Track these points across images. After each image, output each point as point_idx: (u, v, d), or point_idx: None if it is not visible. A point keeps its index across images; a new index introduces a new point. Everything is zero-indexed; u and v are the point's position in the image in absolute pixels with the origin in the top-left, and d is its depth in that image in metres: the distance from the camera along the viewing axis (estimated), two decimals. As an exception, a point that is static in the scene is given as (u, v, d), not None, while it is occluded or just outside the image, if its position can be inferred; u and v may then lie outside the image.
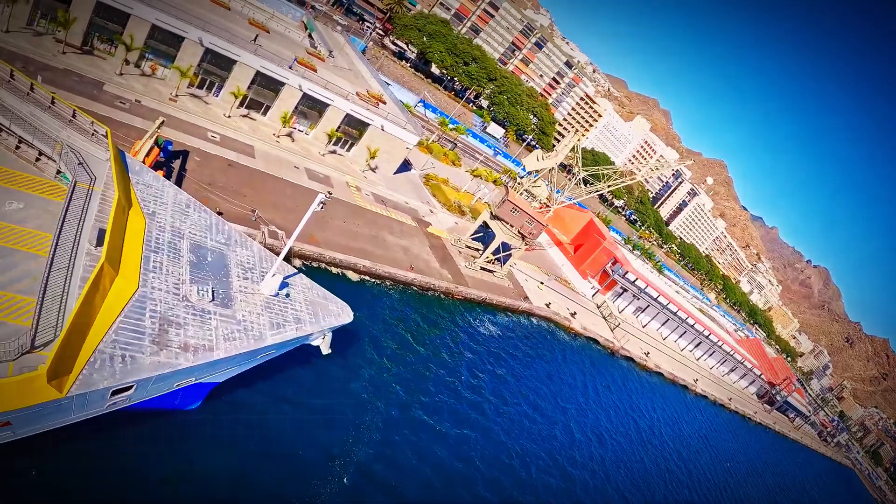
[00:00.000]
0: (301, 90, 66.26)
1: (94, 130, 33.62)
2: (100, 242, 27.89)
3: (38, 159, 32.69)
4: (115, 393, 25.11)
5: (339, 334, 39.97)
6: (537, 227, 77.47)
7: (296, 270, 39.62)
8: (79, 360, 23.67)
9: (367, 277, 56.89)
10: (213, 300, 31.14)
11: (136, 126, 49.61)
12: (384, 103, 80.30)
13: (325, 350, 37.83)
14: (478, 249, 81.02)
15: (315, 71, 71.39)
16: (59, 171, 32.93)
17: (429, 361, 54.59)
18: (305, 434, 38.01)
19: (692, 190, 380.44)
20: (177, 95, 59.88)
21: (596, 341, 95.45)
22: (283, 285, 36.46)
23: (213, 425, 33.53)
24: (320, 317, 36.69)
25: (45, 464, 26.72)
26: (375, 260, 58.02)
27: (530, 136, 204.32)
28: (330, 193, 34.49)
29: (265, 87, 66.81)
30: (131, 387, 25.54)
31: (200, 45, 58.92)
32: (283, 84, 65.90)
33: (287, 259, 48.76)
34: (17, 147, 32.53)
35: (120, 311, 26.57)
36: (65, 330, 23.13)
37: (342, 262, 54.23)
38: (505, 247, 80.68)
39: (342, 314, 39.04)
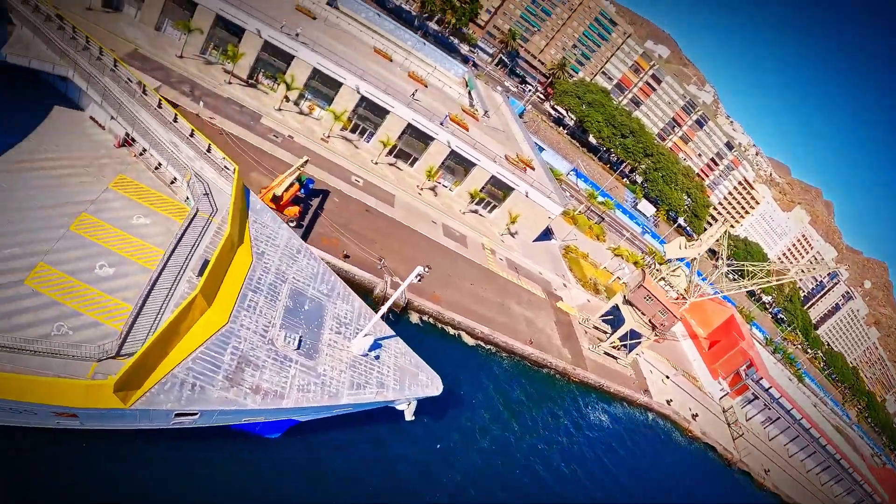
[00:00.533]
0: (449, 146, 67.94)
1: (225, 166, 36.59)
2: (201, 273, 29.31)
3: (172, 182, 36.20)
4: (179, 415, 25.70)
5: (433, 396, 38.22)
6: (670, 319, 70.00)
7: (393, 333, 38.65)
8: (151, 378, 24.66)
9: (483, 343, 54.59)
10: (298, 349, 30.95)
11: (284, 160, 53.40)
12: (532, 169, 79.78)
13: (409, 417, 35.77)
14: (605, 332, 74.92)
15: (466, 129, 73.23)
16: (187, 198, 36.00)
17: (521, 441, 49.62)
18: (364, 483, 35.89)
19: (847, 293, 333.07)
20: (329, 136, 63.90)
21: (713, 449, 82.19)
22: (376, 346, 35.53)
23: (282, 451, 33.10)
24: (406, 385, 34.96)
25: (116, 463, 27.69)
26: (495, 328, 55.66)
27: (681, 218, 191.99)
28: (429, 268, 33.29)
29: (415, 139, 69.19)
30: (196, 413, 26.02)
31: (357, 92, 63.04)
32: (432, 139, 68.09)
33: (404, 312, 49.19)
34: (157, 167, 36.59)
35: (203, 342, 27.21)
36: (143, 348, 24.27)
37: (460, 324, 52.82)
38: (634, 334, 73.62)
39: (430, 386, 36.95)
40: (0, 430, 24.45)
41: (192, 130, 36.84)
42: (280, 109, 61.83)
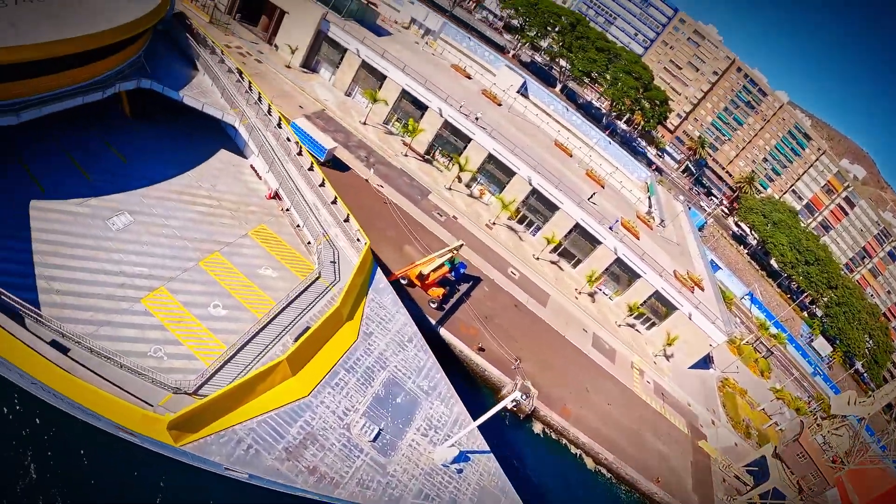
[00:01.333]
0: (616, 253, 63.78)
1: (358, 238, 36.82)
2: (296, 339, 28.62)
3: (308, 243, 37.11)
4: (228, 468, 24.39)
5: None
6: (821, 485, 55.03)
7: (488, 449, 33.99)
8: (210, 427, 24.08)
9: (605, 472, 47.53)
10: (373, 441, 27.96)
11: (441, 239, 53.55)
12: (701, 289, 71.68)
13: None
14: (746, 484, 60.94)
15: (637, 237, 68.64)
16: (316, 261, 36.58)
17: None
18: None
19: None
20: (494, 223, 63.34)
21: None
22: (462, 458, 31.10)
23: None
24: (481, 508, 30.01)
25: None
26: (623, 457, 47.83)
27: (859, 363, 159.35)
28: (526, 395, 28.71)
29: (582, 240, 66.38)
30: (244, 474, 24.46)
31: (529, 184, 62.52)
32: (599, 242, 64.82)
33: (528, 419, 45.26)
34: (298, 226, 37.94)
35: (275, 408, 25.73)
36: (211, 396, 23.84)
37: (584, 445, 46.76)
38: (777, 494, 58.95)
39: (509, 516, 31.40)
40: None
41: (336, 198, 38.06)
42: (450, 189, 63.22)
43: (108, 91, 35.25)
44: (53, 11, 33.25)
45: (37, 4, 32.63)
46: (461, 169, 61.71)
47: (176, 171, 37.85)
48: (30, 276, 28.86)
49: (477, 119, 63.37)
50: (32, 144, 35.99)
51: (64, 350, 24.61)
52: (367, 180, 53.34)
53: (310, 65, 64.71)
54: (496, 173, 64.44)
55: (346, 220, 37.10)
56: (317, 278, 34.21)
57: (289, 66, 62.70)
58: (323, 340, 29.61)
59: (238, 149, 42.35)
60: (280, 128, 40.69)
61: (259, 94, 41.78)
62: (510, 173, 62.93)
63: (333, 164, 52.34)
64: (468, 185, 65.85)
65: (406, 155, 62.34)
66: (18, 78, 31.56)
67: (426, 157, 64.86)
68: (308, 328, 29.31)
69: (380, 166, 56.96)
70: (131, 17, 36.34)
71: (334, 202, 37.95)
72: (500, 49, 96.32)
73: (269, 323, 30.59)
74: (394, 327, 34.15)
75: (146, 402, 23.76)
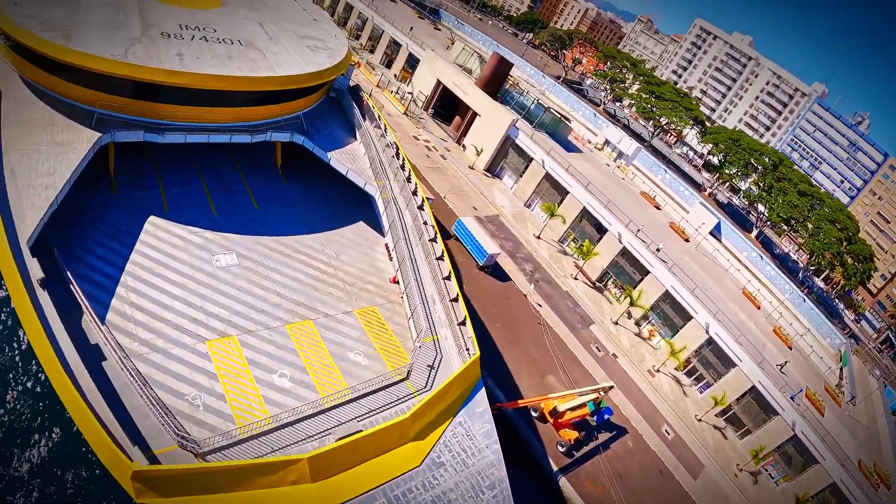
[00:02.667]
0: (792, 429, 47.29)
1: (468, 348, 29.27)
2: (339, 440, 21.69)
3: (416, 338, 30.70)
4: None
5: None
6: None
7: None
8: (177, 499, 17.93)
9: None
10: None
11: (593, 376, 44.46)
12: (887, 488, 50.03)
13: None
14: None
15: (822, 413, 51.11)
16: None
17: None
18: None
19: None
20: (657, 370, 52.24)
21: None
22: None
23: None
24: None
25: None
26: None
27: None
28: None
29: (756, 406, 50.86)
30: None
31: (706, 332, 50.86)
32: (775, 413, 48.95)
33: None
34: (409, 317, 31.89)
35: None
36: (203, 466, 19.20)
37: None
38: None
39: None
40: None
41: (458, 295, 32.02)
42: (616, 323, 54.12)
43: (256, 136, 34.62)
44: (224, 51, 34.09)
45: (212, 43, 33.97)
46: (632, 303, 52.44)
47: (304, 230, 34.92)
48: (114, 280, 27.19)
49: (658, 250, 54.95)
50: (178, 167, 35.95)
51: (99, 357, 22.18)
52: (525, 295, 47.24)
53: (493, 169, 63.30)
54: (670, 314, 53.69)
55: (462, 324, 30.46)
56: (402, 379, 27.22)
57: (472, 168, 61.81)
58: (370, 453, 21.40)
59: (379, 226, 38.80)
60: (421, 210, 36.66)
61: (410, 171, 38.91)
62: (686, 317, 51.89)
63: (493, 270, 47.59)
64: (637, 323, 55.63)
65: (576, 278, 55.32)
66: (189, 103, 32.03)
67: (597, 284, 57.09)
68: (359, 431, 22.10)
69: (544, 284, 50.67)
70: (314, 67, 36.89)
71: (455, 300, 31.83)
72: (696, 185, 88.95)
73: (324, 411, 24.02)
74: (476, 465, 24.77)
75: (133, 443, 18.79)
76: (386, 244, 36.86)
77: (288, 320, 29.05)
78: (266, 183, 37.81)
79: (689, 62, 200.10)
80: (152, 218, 31.10)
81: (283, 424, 23.28)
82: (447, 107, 69.19)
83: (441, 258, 33.55)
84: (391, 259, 35.99)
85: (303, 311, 29.88)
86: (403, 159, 38.94)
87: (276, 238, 33.36)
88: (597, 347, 47.95)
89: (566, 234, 58.71)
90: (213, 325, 26.96)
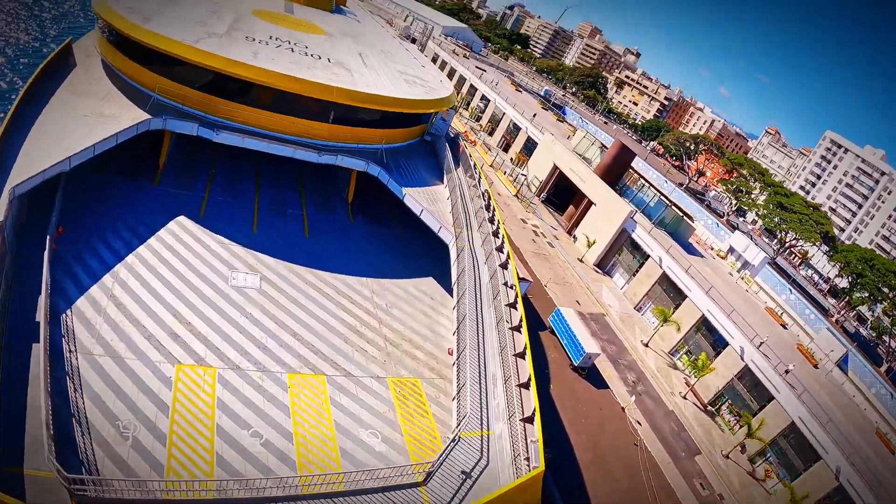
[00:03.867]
0: None
1: (528, 457, 18.23)
2: None
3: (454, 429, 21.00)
4: None
5: None
6: None
7: None
8: None
9: None
10: None
11: None
12: None
13: None
14: None
15: None
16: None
17: None
18: None
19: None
20: None
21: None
22: None
23: None
24: None
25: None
26: None
27: None
28: None
29: None
30: None
31: (835, 478, 34.82)
32: None
33: None
34: (454, 397, 22.19)
35: None
36: None
37: None
38: None
39: None
40: None
41: (529, 380, 22.57)
42: (727, 457, 39.97)
43: (325, 157, 29.41)
44: (307, 62, 31.29)
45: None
46: (749, 434, 38.42)
47: (355, 270, 27.95)
48: (106, 268, 22.30)
49: (787, 372, 40.98)
50: (234, 177, 31.81)
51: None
52: (623, 409, 36.16)
53: (604, 265, 54.00)
54: (791, 454, 38.06)
55: (528, 420, 20.83)
56: (417, 484, 17.48)
57: (581, 260, 53.16)
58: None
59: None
60: (504, 268, 28.19)
61: (499, 224, 30.87)
62: (812, 457, 36.33)
63: (589, 374, 37.51)
64: (752, 460, 40.47)
65: (685, 397, 42.54)
66: (251, 104, 28.20)
67: (708, 407, 43.57)
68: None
69: (647, 398, 39.03)
70: (403, 94, 32.52)
71: (525, 386, 22.44)
72: (823, 310, 73.37)
73: (293, 499, 15.51)
74: None
75: None
76: (454, 307, 28.85)
77: (293, 368, 21.28)
78: (329, 214, 32.18)
79: (818, 177, 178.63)
80: (182, 218, 26.14)
81: (225, 499, 15.28)
82: (560, 195, 62.56)
83: (518, 329, 24.74)
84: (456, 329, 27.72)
85: (318, 361, 21.97)
86: (493, 210, 31.50)
87: (317, 271, 26.61)
88: (701, 484, 34.25)
89: (679, 345, 46.78)
90: (193, 348, 20.23)
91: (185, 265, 23.63)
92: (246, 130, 27.90)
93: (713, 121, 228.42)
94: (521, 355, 22.97)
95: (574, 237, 57.57)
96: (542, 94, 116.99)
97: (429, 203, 30.28)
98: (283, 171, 34.30)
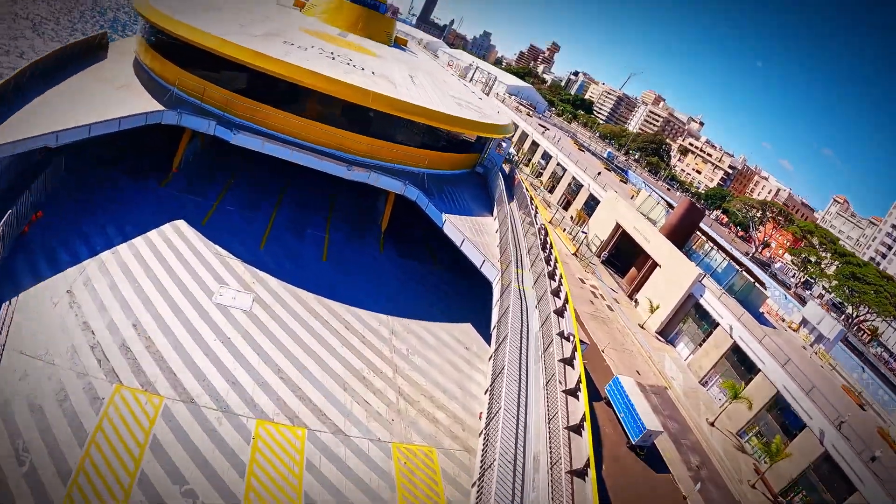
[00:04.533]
0: None
1: None
2: None
3: (474, 484, 14.59)
4: None
5: None
6: None
7: None
8: None
9: None
10: None
11: None
12: None
13: None
14: None
15: None
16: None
17: None
18: None
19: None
20: None
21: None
22: None
23: None
24: None
25: None
26: None
27: None
28: None
29: None
30: None
31: None
32: None
33: None
34: (476, 482, 15.44)
35: None
36: None
37: None
38: None
39: None
40: None
41: (588, 464, 16.07)
42: None
43: (356, 174, 24.86)
44: (345, 69, 28.89)
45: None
46: None
47: (374, 304, 22.57)
48: (74, 260, 18.48)
49: (874, 459, 31.11)
50: (255, 189, 28.11)
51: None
52: (685, 497, 28.21)
53: (667, 333, 46.29)
54: None
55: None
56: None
57: (642, 326, 45.79)
58: None
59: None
60: (561, 316, 21.90)
61: (556, 264, 25.05)
62: None
63: (647, 454, 29.89)
64: None
65: (754, 486, 33.09)
66: (274, 104, 24.72)
67: (780, 499, 34.00)
68: None
69: (710, 486, 30.40)
70: (449, 111, 28.11)
71: (579, 474, 15.93)
72: None
73: None
74: None
75: None
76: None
77: (265, 414, 15.83)
78: (356, 240, 27.36)
79: (889, 248, 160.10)
80: (180, 223, 22.23)
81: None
82: (622, 256, 55.93)
83: (574, 394, 18.44)
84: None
85: (301, 409, 16.47)
86: (551, 246, 25.88)
87: (325, 300, 21.55)
88: None
89: (749, 425, 37.64)
90: (144, 368, 15.53)
91: (167, 272, 19.34)
92: (268, 135, 24.28)
93: (778, 190, 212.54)
94: (577, 429, 16.63)
95: (635, 301, 50.34)
96: (605, 156, 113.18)
97: (473, 234, 24.96)
98: (313, 191, 30.56)
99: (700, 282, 44.42)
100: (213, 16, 27.84)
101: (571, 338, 19.36)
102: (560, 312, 21.47)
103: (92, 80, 23.56)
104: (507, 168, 35.31)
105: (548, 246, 25.54)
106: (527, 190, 31.74)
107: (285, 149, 23.91)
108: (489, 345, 23.40)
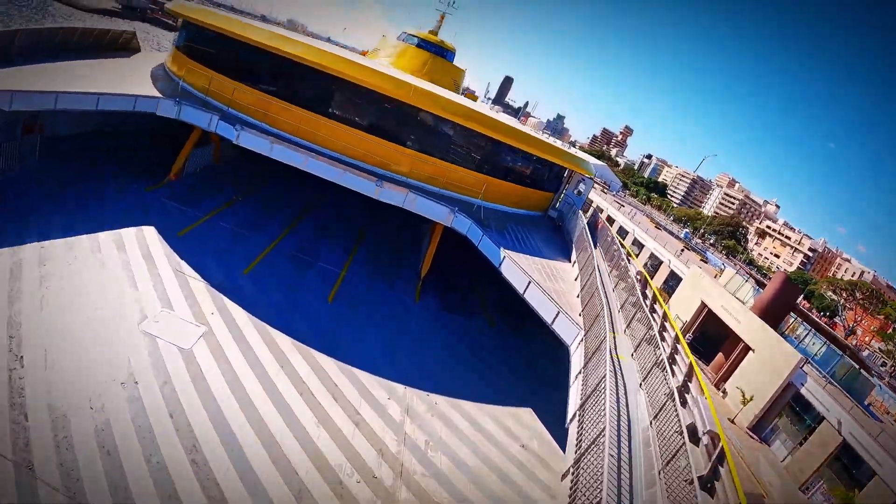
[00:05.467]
0: None
1: None
2: None
3: None
4: None
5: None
6: None
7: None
8: None
9: None
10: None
11: None
12: None
13: None
14: None
15: None
16: None
17: None
18: None
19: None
20: None
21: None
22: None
23: None
24: None
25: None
26: None
27: None
28: None
29: None
30: None
31: None
32: None
33: None
34: None
35: None
36: None
37: None
38: None
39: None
40: None
41: None
42: None
43: (384, 188, 18.03)
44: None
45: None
46: None
47: (388, 367, 14.53)
48: None
49: None
50: (268, 208, 22.11)
51: None
52: None
53: (760, 430, 34.37)
54: None
55: None
56: None
57: (732, 421, 34.81)
58: None
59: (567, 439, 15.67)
60: (683, 405, 12.06)
61: (665, 317, 16.41)
62: None
63: None
64: None
65: None
66: (289, 99, 19.44)
67: None
68: None
69: None
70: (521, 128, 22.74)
71: None
72: None
73: None
74: None
75: None
76: (569, 470, 13.91)
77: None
78: (383, 282, 19.75)
79: None
80: (147, 229, 16.05)
81: None
82: (708, 339, 45.30)
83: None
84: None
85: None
86: (655, 299, 17.55)
87: (311, 350, 13.86)
88: None
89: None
90: None
91: (93, 280, 12.85)
92: (281, 137, 18.53)
93: (862, 272, 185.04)
94: None
95: (724, 391, 38.99)
96: (681, 236, 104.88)
97: (543, 277, 17.11)
98: (341, 220, 24.21)
99: (801, 368, 33.58)
100: (260, 25, 24.12)
101: (715, 440, 10.64)
102: (682, 395, 12.83)
103: (107, 72, 19.60)
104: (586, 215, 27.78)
105: (649, 295, 17.19)
106: (614, 235, 23.82)
107: (299, 154, 17.74)
108: (561, 447, 14.94)
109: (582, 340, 13.52)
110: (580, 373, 12.50)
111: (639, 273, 19.04)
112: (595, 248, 20.90)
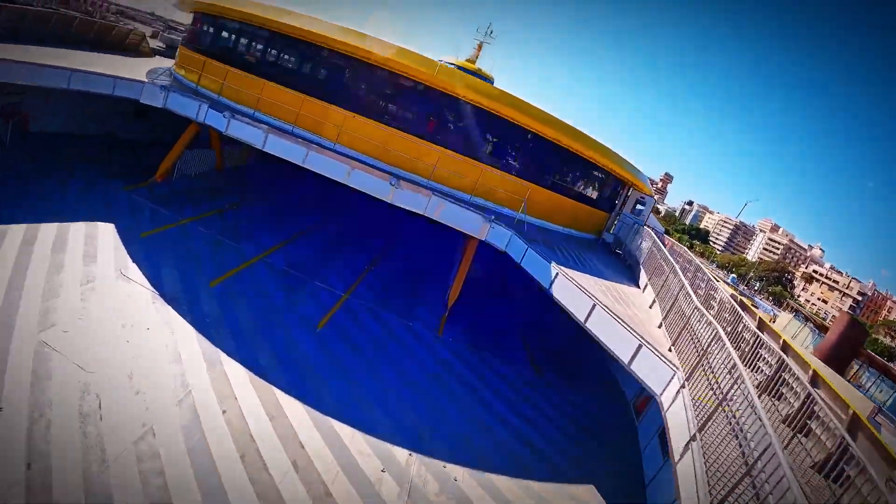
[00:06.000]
0: None
1: None
2: None
3: None
4: None
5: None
6: None
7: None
8: None
9: None
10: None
11: None
12: None
13: None
14: None
15: None
16: None
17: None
18: None
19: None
20: None
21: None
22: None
23: None
24: None
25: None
26: None
27: None
28: None
29: None
30: None
31: None
32: None
33: None
34: None
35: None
36: None
37: None
38: None
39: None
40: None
41: None
42: None
43: (401, 190, 14.02)
44: None
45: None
46: None
47: (389, 424, 9.92)
48: None
49: None
50: (273, 220, 18.67)
51: None
52: None
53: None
54: None
55: None
56: None
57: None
58: None
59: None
60: (830, 478, 8.00)
61: (782, 357, 9.83)
62: None
63: None
64: None
65: None
66: (289, 85, 16.00)
67: None
68: None
69: None
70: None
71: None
72: None
73: None
74: None
75: None
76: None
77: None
78: (398, 311, 15.20)
79: None
80: (104, 226, 12.68)
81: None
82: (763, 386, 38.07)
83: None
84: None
85: None
86: (762, 326, 12.48)
87: (273, 389, 9.45)
88: None
89: None
90: None
91: (9, 280, 9.56)
92: (276, 127, 15.06)
93: None
94: None
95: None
96: (729, 280, 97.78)
97: (611, 301, 12.59)
98: (360, 235, 20.59)
99: (874, 418, 26.47)
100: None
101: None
102: (831, 471, 7.79)
103: (114, 64, 17.41)
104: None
105: (742, 324, 12.08)
106: (691, 256, 18.87)
107: (298, 146, 14.38)
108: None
109: (682, 387, 8.79)
110: (693, 439, 7.66)
111: (731, 297, 14.15)
112: (669, 273, 16.16)
